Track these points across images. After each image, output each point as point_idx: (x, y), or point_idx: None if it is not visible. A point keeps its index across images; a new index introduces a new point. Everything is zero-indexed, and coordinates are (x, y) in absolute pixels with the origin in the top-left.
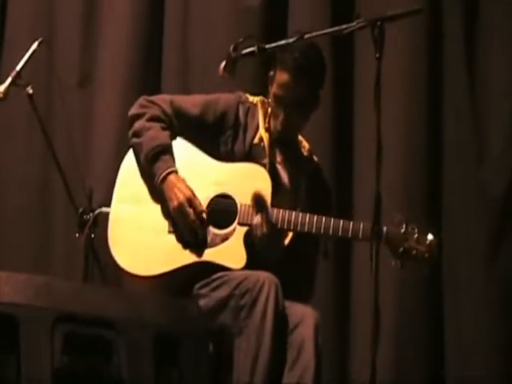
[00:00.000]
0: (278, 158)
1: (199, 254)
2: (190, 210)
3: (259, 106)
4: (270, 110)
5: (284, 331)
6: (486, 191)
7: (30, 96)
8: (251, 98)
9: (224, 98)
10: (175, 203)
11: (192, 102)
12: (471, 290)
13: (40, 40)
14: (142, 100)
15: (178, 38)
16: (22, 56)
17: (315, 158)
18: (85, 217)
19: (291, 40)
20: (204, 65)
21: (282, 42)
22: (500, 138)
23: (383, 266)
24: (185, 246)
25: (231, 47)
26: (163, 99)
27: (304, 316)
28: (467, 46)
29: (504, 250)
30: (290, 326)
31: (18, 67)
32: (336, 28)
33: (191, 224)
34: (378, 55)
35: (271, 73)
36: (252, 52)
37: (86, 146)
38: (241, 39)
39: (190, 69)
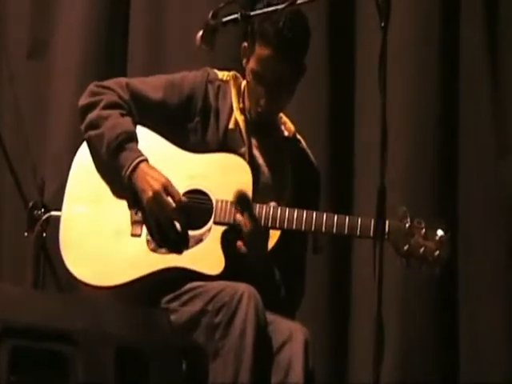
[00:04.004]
0: (258, 144)
1: (169, 258)
2: (169, 199)
3: (231, 83)
4: (243, 86)
5: (268, 352)
6: (507, 189)
7: None
8: (221, 74)
9: (190, 78)
10: (150, 193)
11: (152, 85)
12: (489, 301)
13: None
14: (92, 87)
15: (150, 0)
16: None
17: (301, 140)
18: (35, 212)
19: (280, 6)
20: (179, 33)
21: (270, 8)
22: None
23: (387, 268)
24: (152, 250)
25: (210, 14)
26: (118, 83)
27: (292, 332)
28: (488, 20)
29: None
30: (275, 345)
31: None
32: None
33: (171, 215)
34: (382, 24)
35: (245, 44)
36: (234, 20)
37: (38, 128)
38: (221, 5)
39: (162, 37)
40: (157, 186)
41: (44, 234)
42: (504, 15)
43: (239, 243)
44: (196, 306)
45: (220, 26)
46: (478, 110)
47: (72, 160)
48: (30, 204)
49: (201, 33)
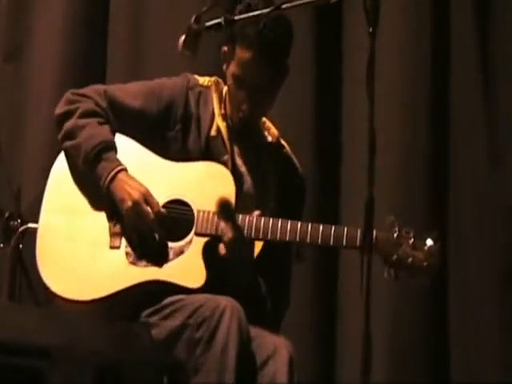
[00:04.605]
0: (241, 151)
1: (149, 271)
2: (148, 209)
3: (213, 89)
4: (225, 92)
5: (251, 368)
6: (500, 199)
7: None
8: (202, 80)
9: (169, 85)
10: (129, 203)
11: (130, 92)
12: (483, 314)
13: None
14: (68, 95)
15: (129, 4)
16: None
17: (285, 145)
18: (12, 223)
19: (266, 11)
20: (160, 37)
21: (255, 12)
22: None
23: (375, 279)
24: (131, 263)
25: (192, 18)
26: (95, 90)
27: (276, 348)
28: (480, 29)
29: None
30: (258, 361)
31: None
32: None
33: (150, 226)
34: (371, 30)
35: (225, 48)
36: (218, 24)
37: (14, 133)
38: (204, 8)
39: (142, 41)
40: (136, 195)
41: (20, 246)
42: (495, 20)
43: (221, 247)
44: (177, 320)
45: (203, 30)
46: (470, 119)
47: (50, 169)
48: (6, 214)
49: (183, 38)
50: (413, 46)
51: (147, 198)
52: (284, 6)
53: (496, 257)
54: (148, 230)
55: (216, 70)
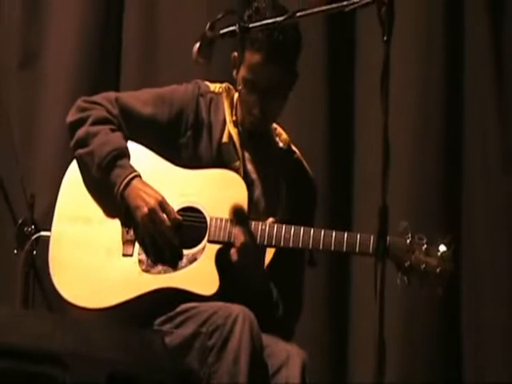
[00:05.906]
0: (251, 157)
1: (162, 278)
2: (164, 217)
3: (224, 95)
4: (236, 98)
5: (264, 376)
6: None
7: None
8: (213, 87)
9: (180, 91)
10: (145, 210)
11: (141, 99)
12: (495, 317)
13: None
14: (80, 102)
15: (142, 13)
16: None
17: (296, 151)
18: (25, 229)
19: (280, 19)
20: (173, 45)
21: (269, 20)
22: None
23: (388, 285)
24: (144, 271)
25: (207, 25)
26: (106, 97)
27: (288, 356)
28: (493, 35)
29: None
30: (271, 370)
31: None
32: (334, 5)
33: (166, 233)
34: (385, 38)
35: (235, 53)
36: (232, 32)
37: (28, 140)
38: (219, 16)
39: (155, 49)
40: (152, 202)
41: (34, 252)
42: (509, 23)
43: (233, 252)
44: (189, 328)
45: (217, 37)
46: (483, 121)
47: (63, 175)
48: (20, 221)
49: (197, 45)
50: (425, 49)
51: (163, 205)
52: (298, 15)
53: (509, 259)
54: (164, 237)
55: (226, 77)
